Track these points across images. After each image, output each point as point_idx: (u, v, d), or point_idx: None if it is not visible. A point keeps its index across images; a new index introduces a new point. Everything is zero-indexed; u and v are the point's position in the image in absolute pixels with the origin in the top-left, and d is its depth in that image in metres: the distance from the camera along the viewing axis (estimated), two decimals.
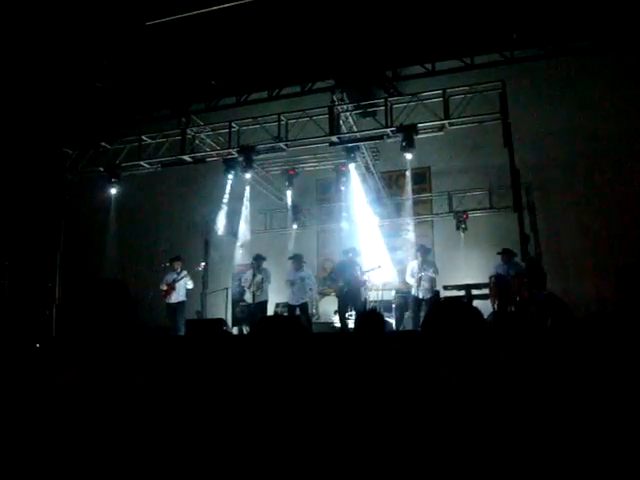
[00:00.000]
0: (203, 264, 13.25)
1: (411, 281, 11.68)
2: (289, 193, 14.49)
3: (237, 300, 13.43)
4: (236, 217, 13.44)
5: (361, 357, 3.73)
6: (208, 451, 1.96)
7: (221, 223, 13.46)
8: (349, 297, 11.22)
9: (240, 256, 13.53)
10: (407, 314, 12.36)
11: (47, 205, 14.33)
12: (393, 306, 12.75)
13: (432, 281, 11.65)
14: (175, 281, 12.34)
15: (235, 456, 1.91)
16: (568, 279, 11.24)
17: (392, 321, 12.00)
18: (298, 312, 12.08)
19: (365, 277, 11.57)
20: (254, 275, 12.24)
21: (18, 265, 14.85)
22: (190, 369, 2.52)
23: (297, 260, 12.44)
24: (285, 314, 12.48)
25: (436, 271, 11.63)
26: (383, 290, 13.82)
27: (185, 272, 12.40)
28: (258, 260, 12.39)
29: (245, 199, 13.71)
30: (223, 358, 2.25)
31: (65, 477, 1.79)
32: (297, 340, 2.09)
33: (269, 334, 2.10)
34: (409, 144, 11.08)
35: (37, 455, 1.83)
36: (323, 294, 13.55)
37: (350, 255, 11.50)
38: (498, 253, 11.44)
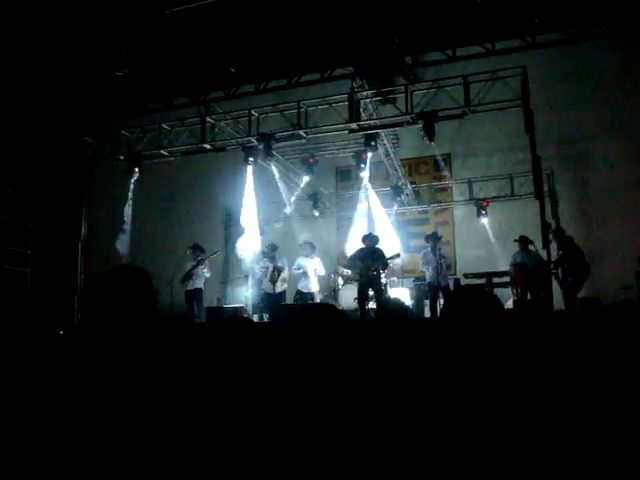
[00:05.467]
0: (217, 251, 13.24)
1: (426, 270, 11.80)
2: (307, 180, 14.43)
3: (257, 288, 13.48)
4: (255, 205, 13.44)
5: (383, 345, 3.73)
6: (232, 436, 1.96)
7: (241, 211, 13.48)
8: (369, 283, 11.24)
9: (260, 244, 13.54)
10: (427, 302, 12.42)
11: (68, 193, 14.44)
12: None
13: (448, 268, 11.77)
14: (193, 268, 12.46)
15: (265, 441, 1.90)
16: (592, 266, 11.12)
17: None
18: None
19: (387, 263, 11.61)
20: (278, 268, 12.42)
21: (40, 253, 14.99)
22: (213, 355, 2.53)
23: (307, 248, 12.71)
24: (300, 302, 12.59)
25: (448, 258, 11.94)
26: (403, 277, 13.84)
27: (204, 260, 12.49)
28: (272, 250, 12.56)
29: (264, 186, 13.68)
30: (248, 345, 2.26)
31: (85, 457, 1.81)
32: (338, 329, 2.07)
33: (311, 322, 2.08)
34: (429, 131, 11.00)
35: (58, 436, 1.84)
36: (345, 280, 13.54)
37: (368, 242, 11.51)
38: (515, 240, 11.48)
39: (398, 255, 12.16)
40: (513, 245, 11.90)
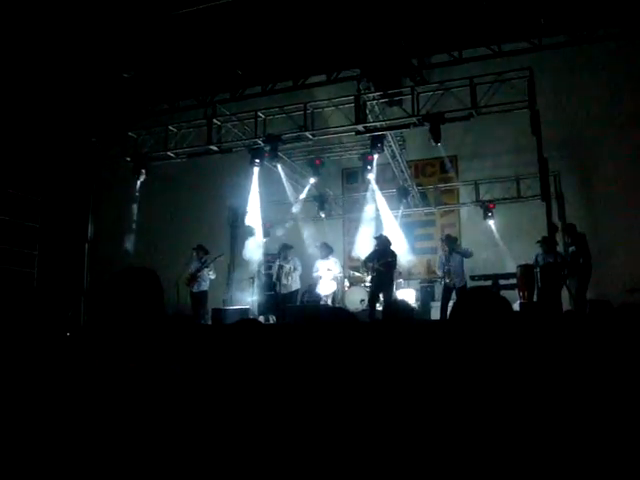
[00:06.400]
0: (221, 255, 13.16)
1: (440, 272, 11.77)
2: (314, 182, 14.43)
3: (264, 289, 13.48)
4: (262, 206, 13.46)
5: (390, 346, 3.73)
6: (244, 439, 1.96)
7: (248, 213, 13.49)
8: (379, 284, 11.25)
9: (267, 246, 13.57)
10: (433, 303, 12.43)
11: (75, 195, 14.48)
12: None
13: (462, 269, 11.64)
14: (198, 270, 12.47)
15: (277, 442, 1.91)
16: (600, 268, 11.09)
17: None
18: (325, 301, 12.34)
19: (389, 262, 11.60)
20: (280, 265, 12.41)
21: (47, 255, 15.03)
22: (221, 357, 2.53)
23: (322, 250, 12.72)
24: (309, 303, 12.61)
25: (467, 253, 11.67)
26: (409, 279, 13.85)
27: (209, 262, 12.50)
28: (284, 250, 12.57)
29: (270, 188, 13.71)
30: (256, 346, 2.26)
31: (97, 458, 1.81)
32: (350, 331, 2.08)
33: (321, 325, 2.08)
34: (436, 133, 10.99)
35: (66, 438, 1.85)
36: (351, 282, 13.52)
37: (379, 243, 11.52)
38: (537, 242, 11.31)
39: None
40: (520, 247, 11.88)
